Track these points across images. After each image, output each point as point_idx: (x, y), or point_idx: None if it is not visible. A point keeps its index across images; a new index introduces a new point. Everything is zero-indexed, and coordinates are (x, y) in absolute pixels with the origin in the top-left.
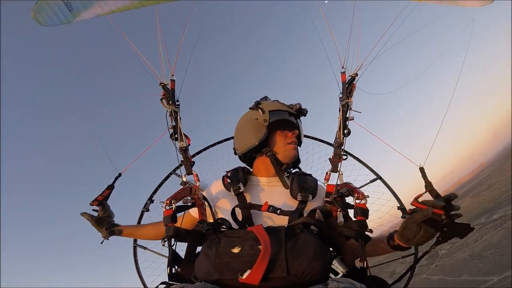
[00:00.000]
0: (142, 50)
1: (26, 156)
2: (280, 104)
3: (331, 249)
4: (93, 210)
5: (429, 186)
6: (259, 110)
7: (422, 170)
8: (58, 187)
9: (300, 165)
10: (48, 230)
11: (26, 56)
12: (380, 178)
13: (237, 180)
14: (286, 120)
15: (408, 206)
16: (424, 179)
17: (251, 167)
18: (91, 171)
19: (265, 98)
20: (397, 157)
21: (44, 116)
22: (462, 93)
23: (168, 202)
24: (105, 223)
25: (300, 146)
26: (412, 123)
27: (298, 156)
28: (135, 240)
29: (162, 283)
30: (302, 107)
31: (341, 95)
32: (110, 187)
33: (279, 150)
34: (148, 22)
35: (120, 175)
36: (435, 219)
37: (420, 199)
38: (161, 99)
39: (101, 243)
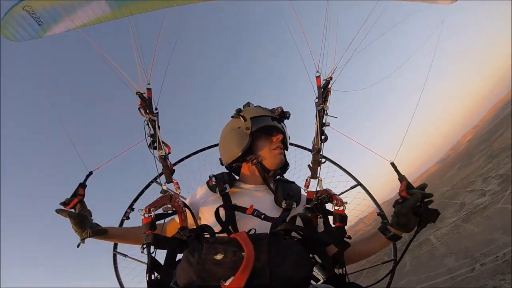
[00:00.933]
0: (116, 59)
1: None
2: (262, 109)
3: (311, 255)
4: (59, 211)
5: (402, 179)
6: (241, 118)
7: (393, 165)
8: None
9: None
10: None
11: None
12: (360, 184)
13: (223, 181)
14: (269, 125)
15: (387, 211)
16: (397, 172)
17: (238, 176)
18: (60, 170)
19: (248, 104)
20: (374, 159)
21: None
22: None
23: (147, 210)
24: (86, 222)
25: (287, 150)
26: (384, 121)
27: (286, 160)
28: (115, 247)
29: None
30: (285, 110)
31: (317, 100)
32: (83, 185)
33: (265, 157)
34: (121, 30)
35: (91, 173)
36: (417, 206)
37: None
38: (139, 108)
39: (78, 246)
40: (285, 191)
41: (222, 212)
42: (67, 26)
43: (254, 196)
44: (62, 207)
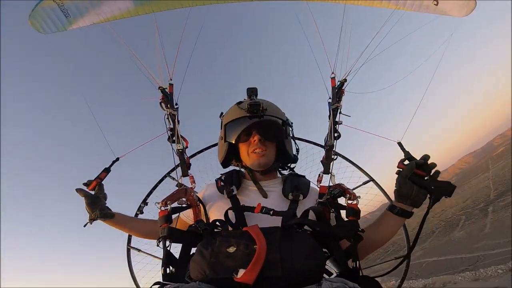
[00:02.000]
0: (140, 54)
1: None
2: (236, 110)
3: (324, 250)
4: (79, 190)
5: (408, 155)
6: (220, 124)
7: (400, 144)
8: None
9: (294, 169)
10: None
11: (30, 56)
12: (373, 180)
13: (230, 182)
14: (243, 129)
15: None
16: (403, 151)
17: None
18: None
19: (247, 94)
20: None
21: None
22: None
23: (163, 203)
24: (98, 204)
25: (285, 138)
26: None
27: (288, 152)
28: (128, 242)
29: (155, 283)
30: (254, 104)
31: (330, 100)
32: (107, 170)
33: (245, 161)
34: (145, 27)
35: (117, 159)
36: (420, 177)
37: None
38: (160, 103)
39: (84, 226)
40: (293, 184)
41: (231, 214)
42: (92, 20)
43: (268, 191)
44: (82, 187)
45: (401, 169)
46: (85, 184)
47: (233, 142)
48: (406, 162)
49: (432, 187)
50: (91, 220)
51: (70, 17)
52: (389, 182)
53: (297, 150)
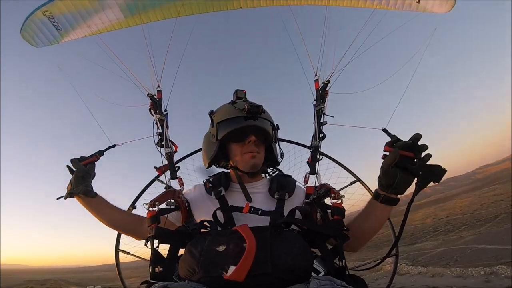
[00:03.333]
0: (126, 61)
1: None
2: (231, 109)
3: (312, 249)
4: (75, 161)
5: (395, 139)
6: (211, 122)
7: (385, 130)
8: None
9: (282, 169)
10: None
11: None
12: (359, 180)
13: (218, 184)
14: (238, 128)
15: None
16: (389, 136)
17: None
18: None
19: (235, 93)
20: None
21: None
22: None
23: (151, 204)
24: (86, 179)
25: (273, 142)
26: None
27: (276, 156)
28: (117, 246)
29: (143, 282)
30: (255, 105)
31: (315, 102)
32: (101, 153)
33: (237, 161)
34: (130, 34)
35: (114, 145)
36: (407, 161)
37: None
38: (149, 109)
39: (57, 198)
40: (279, 184)
41: (219, 214)
42: (84, 32)
43: (254, 192)
44: (74, 158)
45: (387, 153)
46: (79, 158)
47: (227, 140)
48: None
49: (420, 173)
50: (69, 194)
51: (62, 30)
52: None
53: (282, 155)
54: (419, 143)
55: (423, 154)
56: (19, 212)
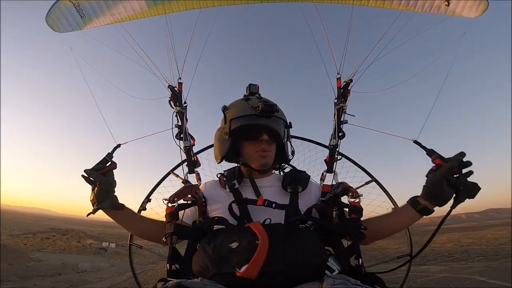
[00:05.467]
0: (149, 53)
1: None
2: (244, 107)
3: (326, 247)
4: (93, 174)
5: (431, 152)
6: (224, 118)
7: (416, 142)
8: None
9: (295, 166)
10: None
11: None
12: (375, 179)
13: (232, 177)
14: (251, 126)
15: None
16: (422, 148)
17: None
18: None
19: (249, 87)
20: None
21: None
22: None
23: (170, 199)
24: (111, 192)
25: (283, 141)
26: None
27: (287, 155)
28: (131, 238)
29: (160, 280)
30: (269, 104)
31: (336, 100)
32: (110, 156)
33: (249, 159)
34: (153, 25)
35: (119, 145)
36: (452, 175)
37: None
38: (169, 101)
39: (87, 215)
40: (292, 178)
41: (235, 207)
42: (106, 20)
43: (262, 187)
44: (90, 171)
45: (439, 165)
46: (96, 168)
47: (238, 136)
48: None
49: (461, 188)
50: (97, 209)
51: (85, 17)
52: (390, 182)
53: (293, 152)
54: (464, 159)
55: (465, 170)
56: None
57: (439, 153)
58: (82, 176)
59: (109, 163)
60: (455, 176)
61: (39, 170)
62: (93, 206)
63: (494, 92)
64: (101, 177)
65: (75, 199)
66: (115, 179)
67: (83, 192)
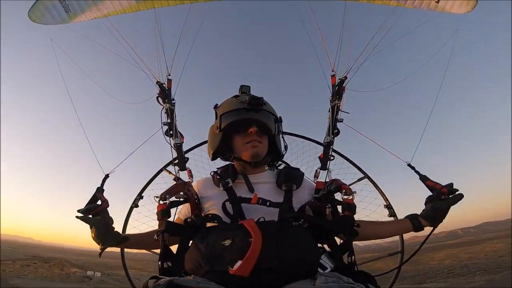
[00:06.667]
0: (137, 49)
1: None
2: (234, 102)
3: (319, 245)
4: (86, 219)
5: (425, 178)
6: (215, 115)
7: (410, 166)
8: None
9: (289, 163)
10: None
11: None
12: (367, 176)
13: (226, 175)
14: (239, 120)
15: (395, 204)
16: (417, 173)
17: None
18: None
19: (241, 88)
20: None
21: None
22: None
23: (162, 197)
24: (109, 232)
25: (275, 134)
26: (401, 122)
27: (279, 148)
28: None
29: (151, 277)
30: (255, 97)
31: (331, 97)
32: (101, 189)
33: (240, 151)
34: (142, 21)
35: (107, 176)
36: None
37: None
38: (157, 97)
39: (100, 255)
40: (287, 175)
41: (228, 205)
42: (92, 15)
43: (256, 183)
44: (81, 214)
45: (446, 194)
46: (85, 211)
47: (229, 131)
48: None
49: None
50: (104, 249)
51: (71, 12)
52: (383, 179)
53: (286, 147)
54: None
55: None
56: (41, 187)
57: (431, 179)
58: (77, 217)
59: (100, 203)
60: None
61: (19, 196)
62: (98, 246)
63: (491, 106)
64: (95, 221)
65: (59, 227)
66: (110, 215)
67: (68, 220)
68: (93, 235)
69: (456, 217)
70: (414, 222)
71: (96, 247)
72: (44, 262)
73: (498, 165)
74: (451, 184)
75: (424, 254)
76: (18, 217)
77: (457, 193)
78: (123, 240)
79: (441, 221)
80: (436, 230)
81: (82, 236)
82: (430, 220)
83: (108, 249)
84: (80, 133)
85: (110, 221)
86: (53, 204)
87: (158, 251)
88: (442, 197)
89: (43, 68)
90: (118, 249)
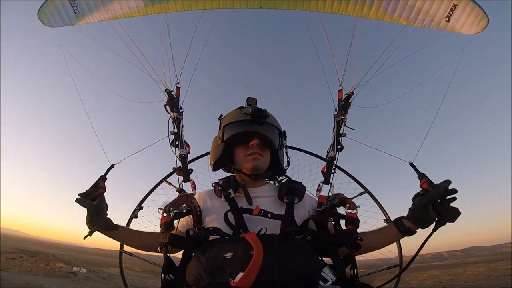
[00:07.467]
0: (146, 54)
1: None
2: (238, 113)
3: (320, 257)
4: (82, 201)
5: (422, 176)
6: (219, 125)
7: (412, 165)
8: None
9: (291, 176)
10: None
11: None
12: (368, 191)
13: (228, 187)
14: (242, 132)
15: (396, 215)
16: (416, 172)
17: None
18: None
19: (248, 100)
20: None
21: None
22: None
23: (166, 209)
24: (101, 215)
25: (278, 148)
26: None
27: (281, 163)
28: (121, 246)
29: None
30: (258, 109)
31: (336, 112)
32: (103, 178)
33: (241, 164)
34: (152, 28)
35: (112, 166)
36: (438, 201)
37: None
38: (165, 105)
39: (84, 238)
40: (289, 189)
41: (230, 216)
42: (100, 16)
43: (256, 196)
44: (81, 197)
45: (426, 190)
46: (84, 194)
47: (231, 142)
48: (431, 183)
49: (444, 212)
50: (92, 232)
51: (79, 13)
52: (383, 194)
53: (288, 162)
54: (450, 186)
55: (449, 197)
56: (33, 178)
57: (429, 178)
58: (76, 201)
59: (96, 188)
60: (439, 201)
61: (7, 187)
62: (88, 229)
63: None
64: (89, 203)
65: (48, 221)
66: (106, 202)
67: (58, 214)
68: (87, 218)
69: (443, 240)
70: (399, 226)
71: (84, 243)
72: (30, 256)
73: (490, 194)
74: (447, 181)
75: (409, 274)
76: (4, 209)
77: (438, 186)
78: (113, 227)
79: (426, 222)
80: (423, 251)
81: (71, 231)
82: (411, 220)
83: (97, 245)
84: (80, 133)
85: (104, 206)
86: (41, 197)
87: (146, 253)
88: (421, 193)
89: (51, 68)
90: (106, 247)
